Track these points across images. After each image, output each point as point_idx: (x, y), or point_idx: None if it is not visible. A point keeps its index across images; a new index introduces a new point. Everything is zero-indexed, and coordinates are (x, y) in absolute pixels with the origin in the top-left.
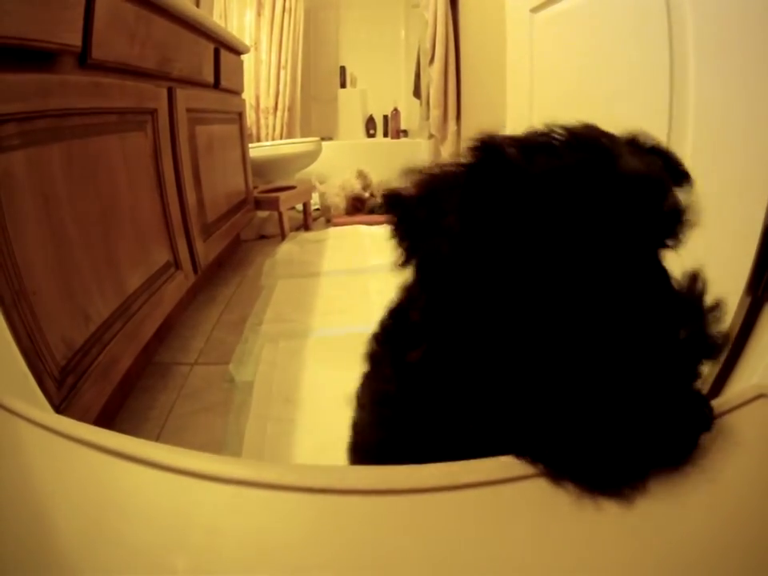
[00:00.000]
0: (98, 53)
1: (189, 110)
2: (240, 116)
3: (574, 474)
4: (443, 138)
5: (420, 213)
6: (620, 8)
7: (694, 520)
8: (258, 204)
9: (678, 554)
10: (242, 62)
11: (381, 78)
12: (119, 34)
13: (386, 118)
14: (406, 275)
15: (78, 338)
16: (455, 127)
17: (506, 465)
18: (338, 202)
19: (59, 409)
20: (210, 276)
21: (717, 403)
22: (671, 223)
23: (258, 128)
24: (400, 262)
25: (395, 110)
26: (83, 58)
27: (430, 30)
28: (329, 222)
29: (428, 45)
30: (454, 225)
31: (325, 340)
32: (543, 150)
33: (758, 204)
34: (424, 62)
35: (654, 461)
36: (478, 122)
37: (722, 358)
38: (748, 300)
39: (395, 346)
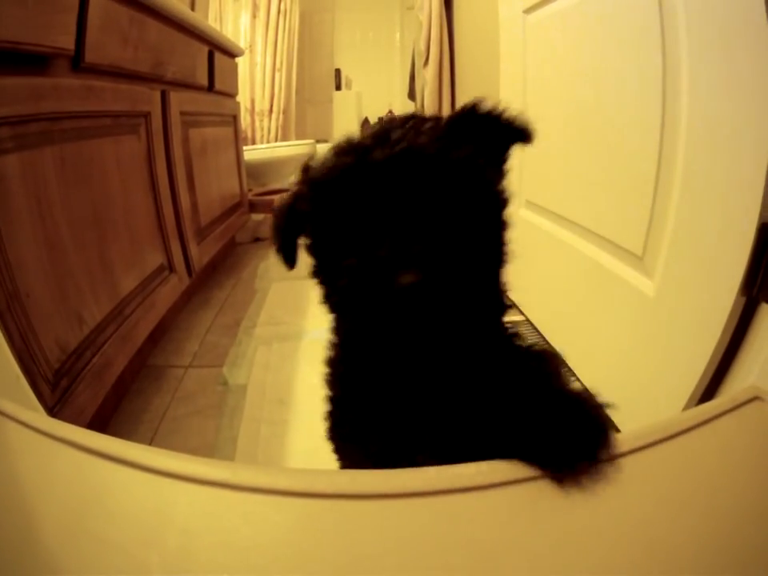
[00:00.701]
0: (91, 56)
1: (183, 113)
2: (234, 119)
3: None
4: None
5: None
6: (613, 9)
7: (690, 523)
8: (253, 207)
9: (676, 557)
10: (236, 65)
11: (376, 81)
12: (112, 38)
13: (380, 120)
14: None
15: (72, 341)
16: None
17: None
18: None
19: (53, 411)
20: (204, 279)
21: (712, 405)
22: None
23: (253, 130)
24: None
25: (390, 112)
26: (76, 62)
27: (424, 32)
28: None
29: (422, 47)
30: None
31: (318, 342)
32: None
33: (752, 204)
34: (418, 64)
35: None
36: None
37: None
38: (743, 300)
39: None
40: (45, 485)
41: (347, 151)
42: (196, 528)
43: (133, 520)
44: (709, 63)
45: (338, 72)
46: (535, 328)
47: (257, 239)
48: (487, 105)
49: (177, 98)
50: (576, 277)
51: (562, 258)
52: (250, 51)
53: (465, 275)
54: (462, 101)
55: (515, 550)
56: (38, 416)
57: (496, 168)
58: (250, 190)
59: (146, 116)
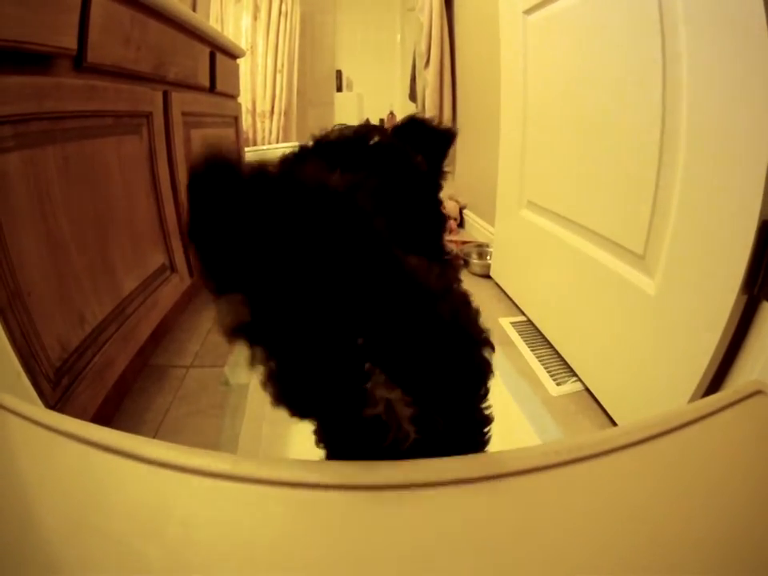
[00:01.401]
0: (93, 56)
1: (184, 114)
2: (236, 120)
3: None
4: None
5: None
6: (613, 9)
7: (691, 515)
8: None
9: (677, 548)
10: (237, 66)
11: (377, 82)
12: (115, 38)
13: (382, 121)
14: None
15: (74, 340)
16: None
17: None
18: None
19: (54, 410)
20: None
21: (715, 398)
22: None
23: (255, 132)
24: None
25: (391, 113)
26: (79, 61)
27: (425, 34)
28: None
29: (423, 48)
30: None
31: None
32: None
33: (752, 202)
34: (419, 65)
35: None
36: (473, 124)
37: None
38: (744, 298)
39: None
40: (45, 477)
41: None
42: (196, 520)
43: (133, 512)
44: (708, 61)
45: (339, 73)
46: (536, 328)
47: None
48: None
49: (178, 99)
50: (577, 276)
51: (563, 257)
52: (251, 52)
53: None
54: (462, 102)
55: (518, 543)
56: (38, 409)
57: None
58: None
59: (148, 116)
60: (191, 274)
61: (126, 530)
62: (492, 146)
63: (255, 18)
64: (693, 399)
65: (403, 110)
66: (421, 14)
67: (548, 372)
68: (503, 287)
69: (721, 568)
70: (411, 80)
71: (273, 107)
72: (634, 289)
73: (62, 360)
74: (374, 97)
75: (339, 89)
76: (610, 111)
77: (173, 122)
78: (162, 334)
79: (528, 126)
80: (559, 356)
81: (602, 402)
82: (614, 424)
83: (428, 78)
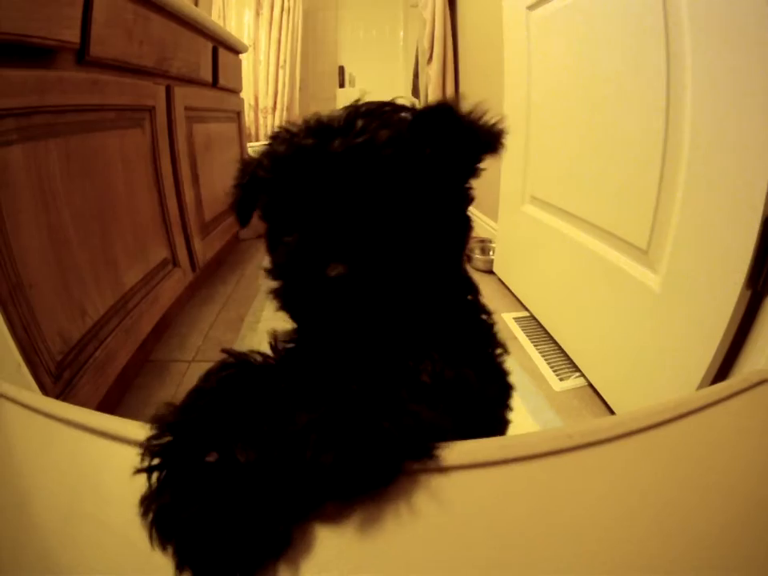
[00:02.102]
0: (96, 50)
1: (187, 108)
2: (238, 115)
3: None
4: None
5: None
6: (616, 5)
7: (698, 501)
8: None
9: (685, 534)
10: (240, 62)
11: (379, 78)
12: (117, 32)
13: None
14: None
15: (75, 333)
16: None
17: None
18: None
19: None
20: (208, 274)
21: (723, 386)
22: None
23: (257, 127)
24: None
25: None
26: (81, 55)
27: (428, 30)
28: None
29: (426, 44)
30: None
31: None
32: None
33: (756, 197)
34: (422, 61)
35: None
36: None
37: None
38: (748, 293)
39: None
40: (41, 463)
41: (311, 132)
42: None
43: (129, 499)
44: (713, 56)
45: (341, 69)
46: (539, 323)
47: (260, 235)
48: (464, 107)
49: (181, 93)
50: (580, 272)
51: (566, 253)
52: (254, 48)
53: (396, 269)
54: (466, 98)
55: (519, 528)
56: (35, 396)
57: (462, 170)
58: None
59: (151, 110)
60: (193, 269)
61: (122, 519)
62: None
63: (257, 13)
64: None
65: None
66: (424, 11)
67: (551, 367)
68: (506, 283)
69: (728, 549)
70: (414, 76)
71: (275, 103)
72: (637, 284)
73: (63, 353)
74: (377, 93)
75: (342, 85)
76: (614, 106)
77: (175, 116)
78: (164, 328)
79: (531, 122)
80: (562, 351)
81: (605, 398)
82: None
83: (431, 75)
